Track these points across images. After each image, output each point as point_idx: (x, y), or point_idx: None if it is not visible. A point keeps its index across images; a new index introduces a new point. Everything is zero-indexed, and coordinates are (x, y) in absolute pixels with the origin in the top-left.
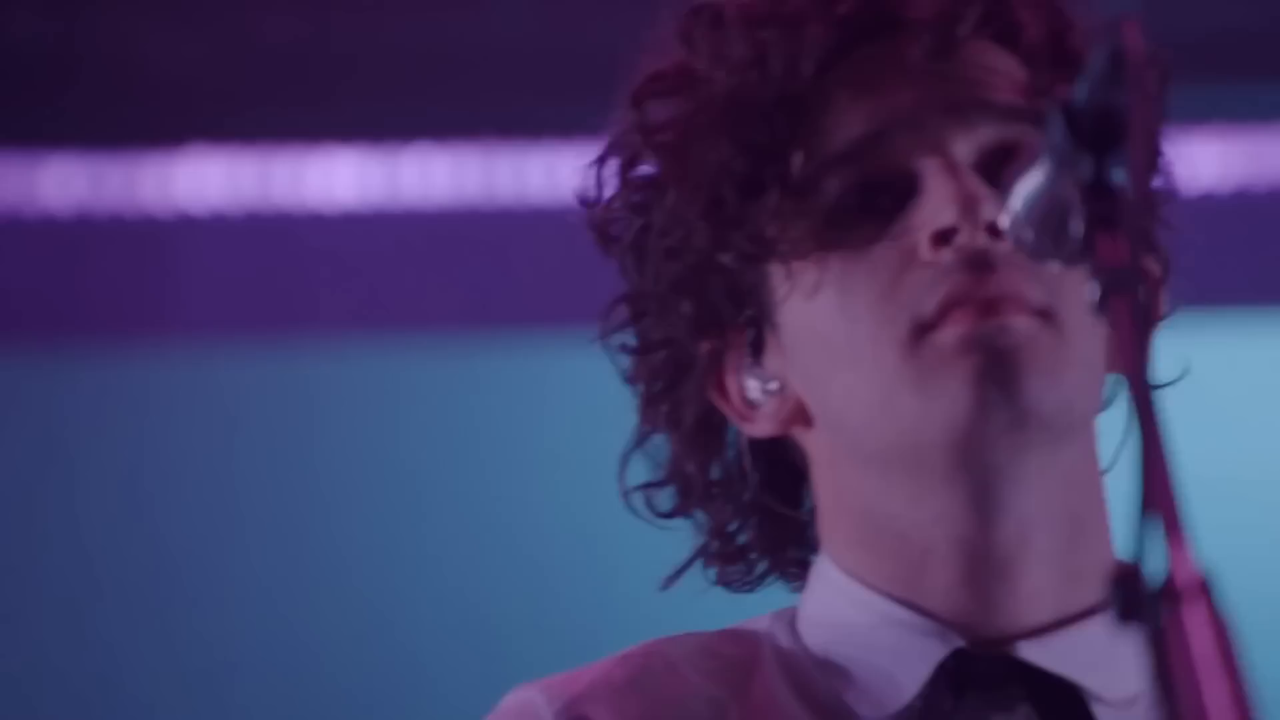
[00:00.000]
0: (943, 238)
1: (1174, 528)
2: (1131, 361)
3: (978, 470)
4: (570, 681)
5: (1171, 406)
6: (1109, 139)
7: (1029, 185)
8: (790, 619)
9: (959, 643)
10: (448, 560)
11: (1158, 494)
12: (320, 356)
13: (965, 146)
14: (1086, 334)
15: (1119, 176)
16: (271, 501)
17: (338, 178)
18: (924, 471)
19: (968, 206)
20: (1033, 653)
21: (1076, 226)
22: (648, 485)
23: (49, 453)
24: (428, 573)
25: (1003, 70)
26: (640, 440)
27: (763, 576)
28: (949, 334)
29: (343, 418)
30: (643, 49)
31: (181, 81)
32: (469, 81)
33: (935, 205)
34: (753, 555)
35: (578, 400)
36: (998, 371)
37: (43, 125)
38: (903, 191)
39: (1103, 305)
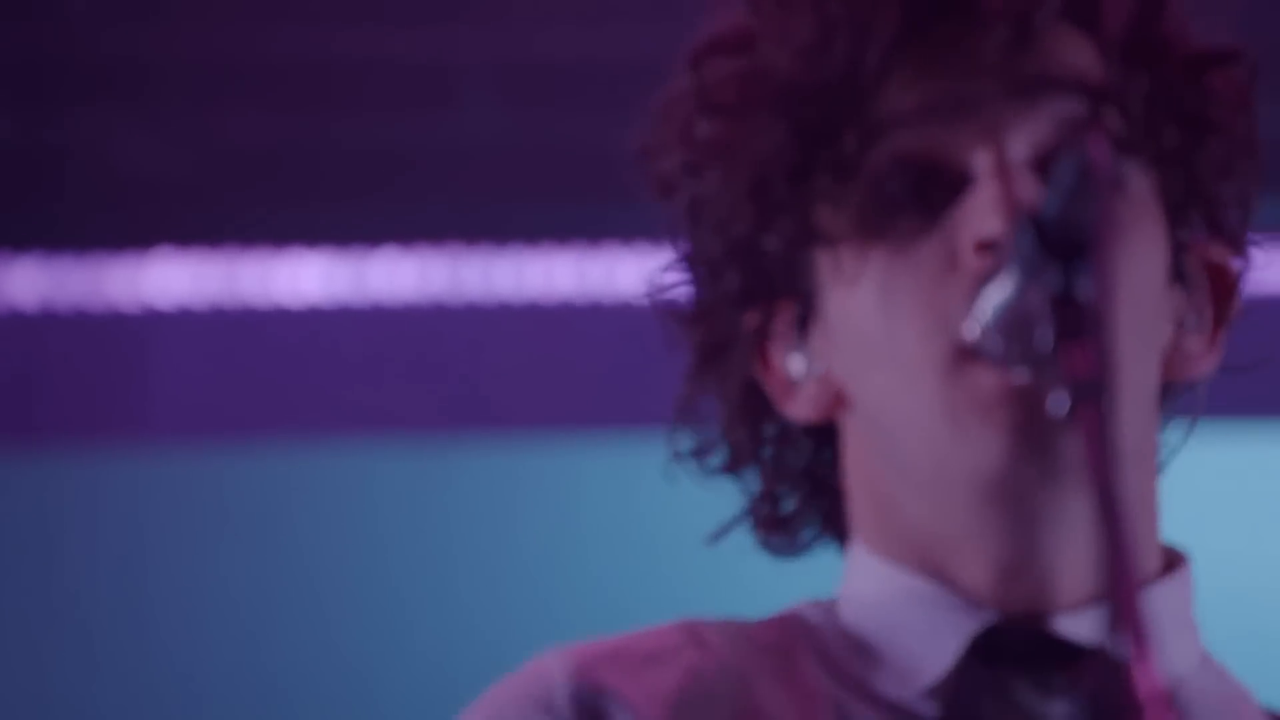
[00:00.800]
0: (985, 246)
1: (1139, 639)
2: (1098, 473)
3: (1010, 509)
4: (592, 648)
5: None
6: (1077, 250)
7: (998, 294)
8: (829, 604)
9: (992, 617)
10: (420, 659)
11: (1124, 605)
12: (289, 457)
13: (1022, 141)
14: (1139, 353)
15: (1086, 287)
16: (241, 600)
17: (305, 279)
18: (953, 498)
19: (1015, 216)
20: (1069, 627)
21: (1044, 336)
22: (698, 450)
23: (15, 553)
24: (400, 672)
25: (1077, 63)
26: (686, 402)
27: (807, 544)
28: (988, 379)
29: (311, 518)
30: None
31: (150, 184)
32: (437, 185)
33: (980, 209)
34: (798, 523)
35: (546, 500)
36: (1034, 426)
37: (10, 227)
38: (953, 184)
39: (1070, 416)
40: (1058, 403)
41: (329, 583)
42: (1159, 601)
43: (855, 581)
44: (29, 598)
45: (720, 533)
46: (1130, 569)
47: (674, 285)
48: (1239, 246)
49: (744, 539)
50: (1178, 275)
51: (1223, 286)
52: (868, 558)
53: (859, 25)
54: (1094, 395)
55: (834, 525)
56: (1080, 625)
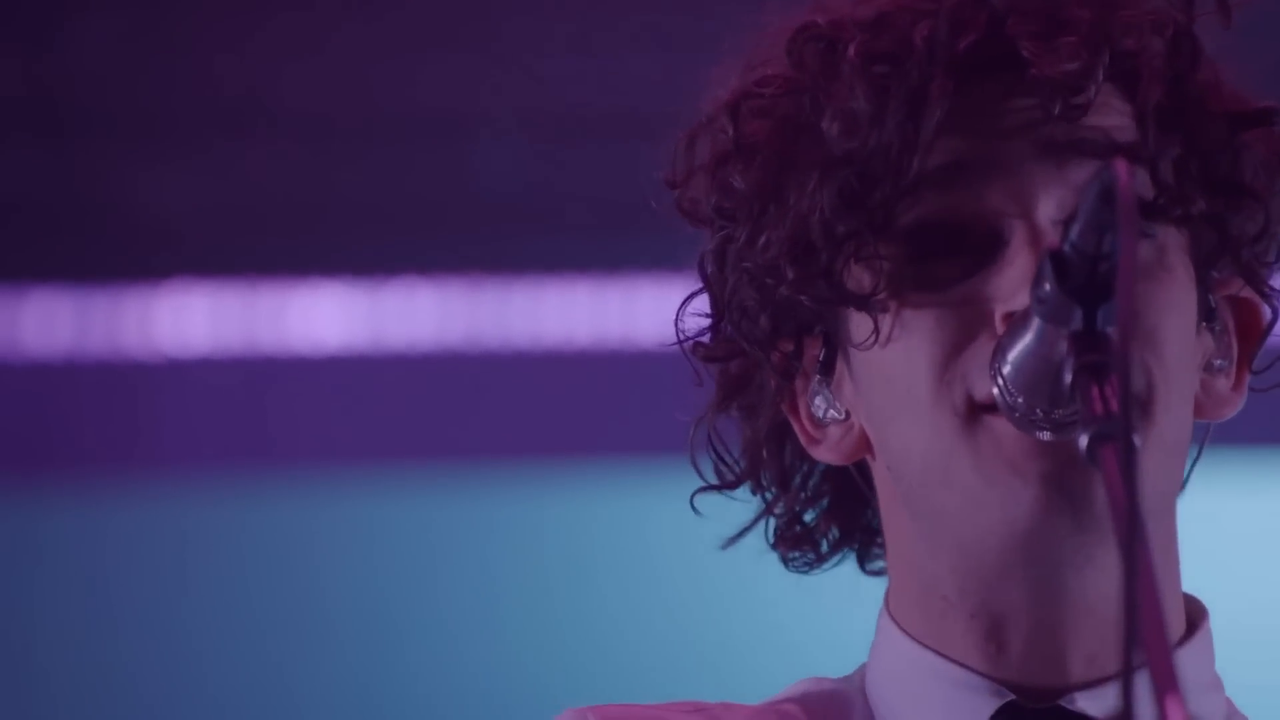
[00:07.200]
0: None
1: (1165, 681)
2: (1121, 513)
3: (1037, 563)
4: (625, 712)
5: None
6: (1099, 283)
7: (1019, 343)
8: (860, 680)
9: (1009, 696)
10: (450, 700)
11: (1150, 646)
12: (301, 493)
13: (1052, 204)
14: (1169, 404)
15: (1109, 321)
16: (253, 634)
17: (320, 314)
18: (976, 549)
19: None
20: (1089, 704)
21: (1066, 381)
22: (726, 479)
23: (29, 591)
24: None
25: (1111, 126)
26: (709, 433)
27: (823, 559)
28: (1008, 431)
29: (317, 554)
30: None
31: (165, 217)
32: (452, 220)
33: (1013, 281)
34: (822, 541)
35: (559, 540)
36: (1066, 479)
37: (25, 261)
38: (983, 244)
39: (1092, 454)
40: (1081, 443)
41: (339, 615)
42: (1187, 665)
43: (883, 659)
44: (38, 633)
45: (736, 538)
46: (1156, 607)
47: (698, 317)
48: (1265, 289)
49: (763, 590)
50: (1206, 314)
51: (1249, 323)
52: (893, 632)
53: (913, 96)
54: (1118, 434)
55: (855, 541)
56: (1099, 701)
